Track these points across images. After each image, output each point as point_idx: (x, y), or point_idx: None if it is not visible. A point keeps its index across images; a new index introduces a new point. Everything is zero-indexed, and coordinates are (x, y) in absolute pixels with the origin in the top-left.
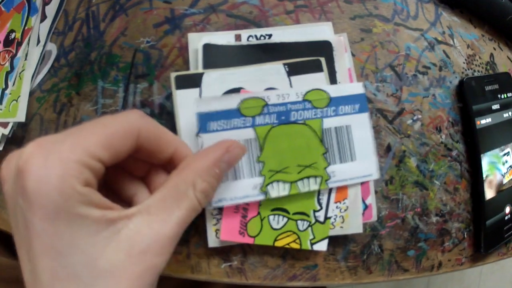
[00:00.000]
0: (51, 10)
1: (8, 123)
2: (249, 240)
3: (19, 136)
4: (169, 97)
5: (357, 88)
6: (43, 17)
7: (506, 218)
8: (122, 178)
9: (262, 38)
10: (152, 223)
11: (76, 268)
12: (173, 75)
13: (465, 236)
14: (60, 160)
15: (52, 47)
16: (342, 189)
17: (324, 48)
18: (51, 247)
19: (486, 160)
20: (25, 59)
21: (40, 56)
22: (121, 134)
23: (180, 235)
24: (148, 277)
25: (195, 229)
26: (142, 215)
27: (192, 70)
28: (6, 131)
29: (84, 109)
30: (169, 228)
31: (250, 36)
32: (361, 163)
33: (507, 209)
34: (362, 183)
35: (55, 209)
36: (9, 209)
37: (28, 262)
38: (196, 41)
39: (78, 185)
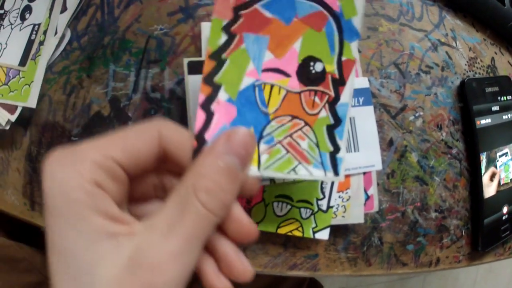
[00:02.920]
0: (72, 3)
1: (16, 107)
2: None
3: (26, 117)
4: (180, 82)
5: (362, 82)
6: (64, 9)
7: (504, 218)
8: (148, 194)
9: None
10: (152, 240)
11: (74, 271)
12: (186, 60)
13: (463, 233)
14: (72, 159)
15: (66, 31)
16: (345, 178)
17: None
18: (54, 244)
19: (485, 160)
20: (42, 45)
21: (56, 46)
22: (140, 137)
23: (191, 251)
24: None
25: None
26: (145, 232)
27: (204, 58)
28: (14, 117)
29: (94, 91)
30: (170, 246)
31: None
32: (365, 154)
33: (505, 209)
34: (364, 174)
35: (59, 205)
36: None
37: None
38: (209, 29)
39: (86, 183)
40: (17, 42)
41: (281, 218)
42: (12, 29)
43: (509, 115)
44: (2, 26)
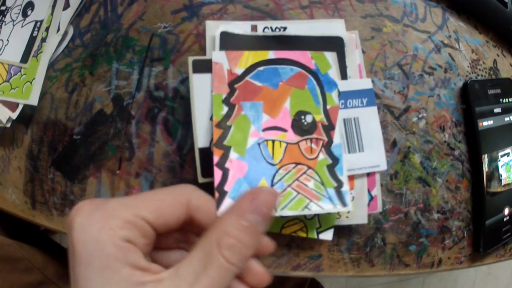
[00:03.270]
0: (75, 0)
1: (18, 105)
2: None
3: (27, 114)
4: (184, 81)
5: (365, 83)
6: (66, 6)
7: (505, 219)
8: (171, 245)
9: (277, 30)
10: (181, 286)
11: None
12: (190, 59)
13: (465, 235)
14: (103, 214)
15: (69, 28)
16: (349, 179)
17: (336, 44)
18: None
19: (487, 161)
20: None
21: (58, 43)
22: (170, 201)
23: None
24: None
25: None
26: (171, 279)
27: (208, 56)
28: (15, 115)
29: (97, 89)
30: None
31: (266, 27)
32: (369, 154)
33: (506, 211)
34: (368, 175)
35: (89, 256)
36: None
37: None
38: (214, 28)
39: (118, 239)
40: (19, 39)
41: (285, 219)
42: (14, 25)
43: (511, 117)
44: (4, 23)
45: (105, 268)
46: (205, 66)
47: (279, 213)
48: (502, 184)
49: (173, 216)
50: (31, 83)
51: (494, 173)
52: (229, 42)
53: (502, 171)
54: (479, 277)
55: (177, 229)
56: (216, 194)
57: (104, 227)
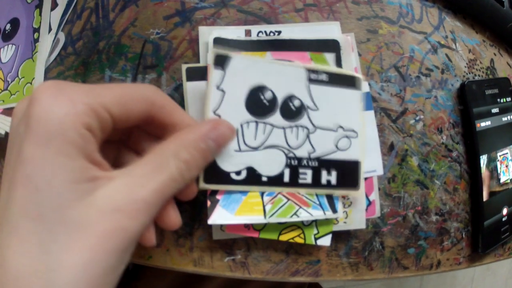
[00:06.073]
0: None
1: None
2: (254, 234)
3: None
4: (178, 88)
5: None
6: (54, 6)
7: (503, 219)
8: (123, 146)
9: (271, 34)
10: (130, 185)
11: (46, 210)
12: (184, 67)
13: (464, 236)
14: (70, 97)
15: (60, 35)
16: None
17: (332, 47)
18: (31, 178)
19: (485, 162)
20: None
21: (53, 43)
22: (135, 96)
23: (157, 205)
24: (116, 238)
25: (199, 222)
26: (123, 177)
27: (202, 63)
28: None
29: None
30: (145, 193)
31: (260, 31)
32: (366, 159)
33: (504, 211)
34: (365, 179)
35: (49, 136)
36: (8, 143)
37: (7, 191)
38: (207, 34)
39: (81, 126)
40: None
41: (283, 225)
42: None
43: (509, 117)
44: None
45: (62, 153)
46: (199, 74)
47: (268, 220)
48: (500, 183)
49: (136, 110)
50: (31, 83)
51: (492, 174)
52: (222, 47)
53: (500, 171)
54: (478, 272)
55: (130, 127)
56: (208, 203)
57: (70, 111)
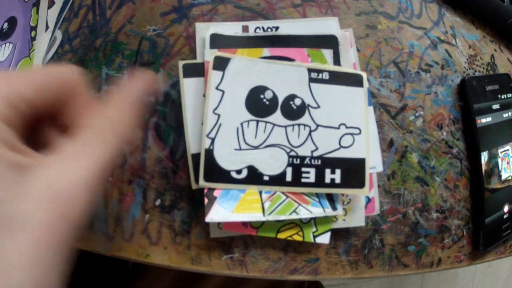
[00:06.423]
0: None
1: None
2: (252, 232)
3: None
4: (174, 85)
5: None
6: (51, 4)
7: (505, 216)
8: (46, 128)
9: (269, 30)
10: (63, 167)
11: None
12: (181, 63)
13: (464, 233)
14: None
15: (57, 33)
16: None
17: (330, 42)
18: None
19: (485, 159)
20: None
21: (50, 41)
22: (52, 77)
23: (99, 178)
24: (59, 228)
25: (196, 220)
26: (55, 160)
27: (199, 59)
28: None
29: None
30: (82, 171)
31: (257, 27)
32: None
33: (506, 208)
34: None
35: None
36: None
37: None
38: (204, 30)
39: None
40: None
41: (281, 223)
42: None
43: (510, 113)
44: None
45: None
46: (196, 70)
47: (267, 217)
48: (502, 180)
49: (52, 93)
50: None
51: (493, 170)
52: (219, 44)
53: (501, 168)
54: (479, 269)
55: (48, 111)
56: (206, 200)
57: None
